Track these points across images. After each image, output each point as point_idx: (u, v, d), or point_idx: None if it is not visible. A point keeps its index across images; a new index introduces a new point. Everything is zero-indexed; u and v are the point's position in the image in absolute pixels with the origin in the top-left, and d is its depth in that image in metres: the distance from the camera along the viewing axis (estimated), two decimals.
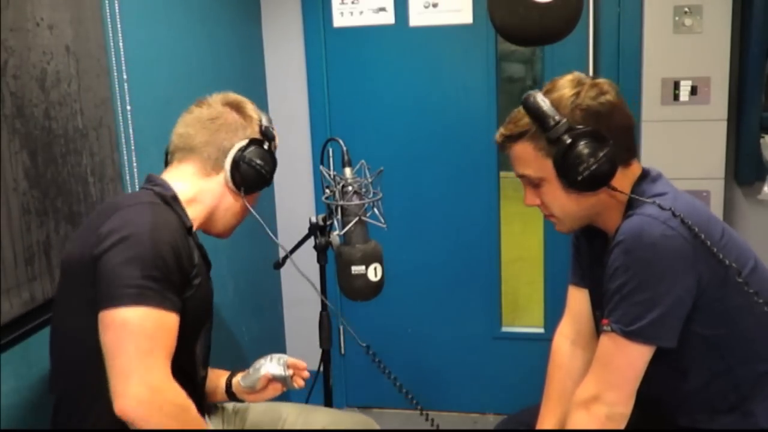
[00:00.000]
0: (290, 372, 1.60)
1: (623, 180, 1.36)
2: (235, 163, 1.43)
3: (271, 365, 1.60)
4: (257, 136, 1.46)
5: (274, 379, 1.60)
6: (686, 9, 2.35)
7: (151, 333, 1.15)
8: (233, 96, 1.52)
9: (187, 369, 1.38)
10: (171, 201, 1.35)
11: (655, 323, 1.26)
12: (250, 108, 1.50)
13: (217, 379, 1.64)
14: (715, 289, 1.29)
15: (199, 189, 1.43)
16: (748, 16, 2.36)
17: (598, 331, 1.42)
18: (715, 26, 2.34)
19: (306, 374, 1.64)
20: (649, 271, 1.26)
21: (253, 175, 1.44)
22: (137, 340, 1.14)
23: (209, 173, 1.43)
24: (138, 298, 1.15)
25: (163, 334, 1.18)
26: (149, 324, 1.15)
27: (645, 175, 1.39)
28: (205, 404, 1.55)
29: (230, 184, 1.44)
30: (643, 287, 1.26)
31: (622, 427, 1.32)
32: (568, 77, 1.38)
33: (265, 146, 1.46)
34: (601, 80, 1.38)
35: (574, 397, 1.37)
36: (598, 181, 1.31)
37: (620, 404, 1.31)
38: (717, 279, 1.28)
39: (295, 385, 1.61)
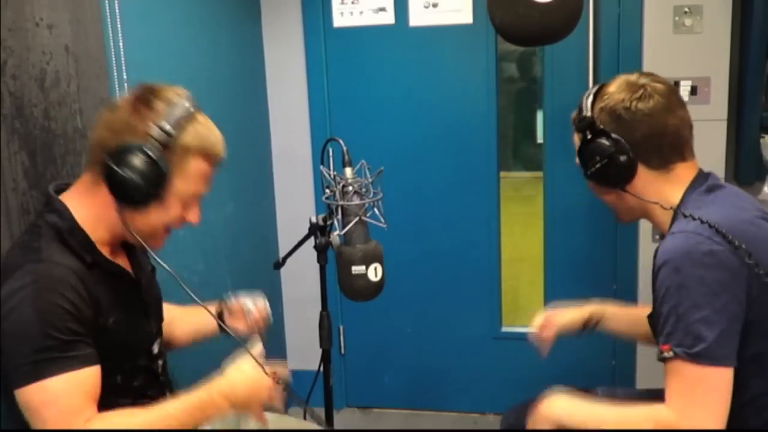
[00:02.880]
0: (254, 309, 1.64)
1: (660, 185, 1.40)
2: (108, 168, 1.21)
3: (247, 299, 1.66)
4: (144, 139, 1.22)
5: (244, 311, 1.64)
6: (686, 9, 2.35)
7: (54, 403, 1.14)
8: (148, 86, 1.29)
9: (152, 392, 1.41)
10: (66, 235, 1.23)
11: (718, 340, 1.22)
12: (159, 102, 1.25)
13: (199, 315, 1.63)
14: (761, 302, 1.26)
15: (94, 204, 1.26)
16: (748, 16, 2.35)
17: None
18: (715, 26, 2.34)
19: (266, 321, 1.66)
20: (703, 288, 1.23)
21: (122, 185, 1.20)
22: (46, 416, 1.14)
23: (100, 181, 1.23)
24: (33, 374, 1.13)
25: (71, 395, 1.16)
26: (49, 396, 1.14)
27: (699, 183, 1.39)
28: None
29: (109, 194, 1.24)
30: (700, 305, 1.23)
31: None
32: (631, 78, 1.43)
33: (150, 151, 1.20)
34: (652, 87, 1.40)
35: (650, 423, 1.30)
36: (606, 180, 1.41)
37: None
38: (763, 291, 1.26)
39: (247, 325, 1.64)
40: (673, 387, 1.27)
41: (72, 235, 1.25)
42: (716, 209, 1.32)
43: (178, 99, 1.27)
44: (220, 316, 1.64)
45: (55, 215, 1.26)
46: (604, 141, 1.39)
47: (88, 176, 1.28)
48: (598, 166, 1.40)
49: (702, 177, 1.42)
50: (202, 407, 1.26)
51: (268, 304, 1.67)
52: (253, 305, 1.65)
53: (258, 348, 1.39)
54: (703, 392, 1.24)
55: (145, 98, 1.25)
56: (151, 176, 1.21)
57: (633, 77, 1.44)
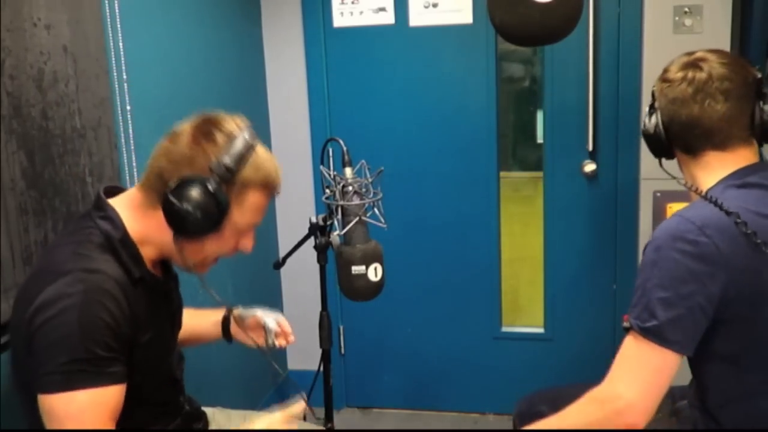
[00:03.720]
0: (277, 329, 1.59)
1: (692, 168, 1.44)
2: (167, 201, 1.21)
3: (266, 315, 1.60)
4: (203, 172, 1.21)
5: (262, 327, 1.59)
6: (686, 9, 2.35)
7: (78, 416, 1.13)
8: (209, 117, 1.28)
9: (169, 399, 1.42)
10: (118, 246, 1.23)
11: (672, 323, 1.24)
12: (220, 134, 1.24)
13: (203, 316, 1.64)
14: (738, 303, 1.27)
15: (147, 224, 1.26)
16: (748, 16, 2.35)
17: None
18: (715, 26, 2.34)
19: (289, 340, 1.61)
20: (674, 271, 1.26)
21: (181, 218, 1.20)
22: (67, 426, 1.12)
23: (156, 206, 1.24)
24: (64, 384, 1.11)
25: (96, 411, 1.14)
26: (75, 408, 1.12)
27: (737, 176, 1.37)
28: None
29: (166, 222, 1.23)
30: (665, 285, 1.26)
31: (629, 429, 1.27)
32: (687, 59, 1.45)
33: (210, 186, 1.20)
34: (684, 75, 1.42)
35: (588, 393, 1.34)
36: (650, 149, 1.49)
37: (634, 403, 1.26)
38: (745, 298, 1.26)
39: (276, 343, 1.59)
40: (618, 356, 1.30)
41: (124, 247, 1.24)
42: (731, 200, 1.31)
43: (239, 131, 1.26)
44: (225, 323, 1.63)
45: (108, 223, 1.24)
46: (648, 116, 1.46)
47: (143, 195, 1.27)
48: (644, 136, 1.48)
49: (744, 172, 1.38)
50: None
51: (284, 318, 1.63)
52: (275, 324, 1.59)
53: (299, 407, 1.36)
54: (640, 366, 1.27)
55: (206, 130, 1.24)
56: (211, 211, 1.21)
57: (690, 58, 1.45)
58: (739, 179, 1.37)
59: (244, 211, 1.28)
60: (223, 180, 1.22)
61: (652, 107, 1.47)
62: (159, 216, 1.22)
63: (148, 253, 1.29)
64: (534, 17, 1.71)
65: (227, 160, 1.22)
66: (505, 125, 2.83)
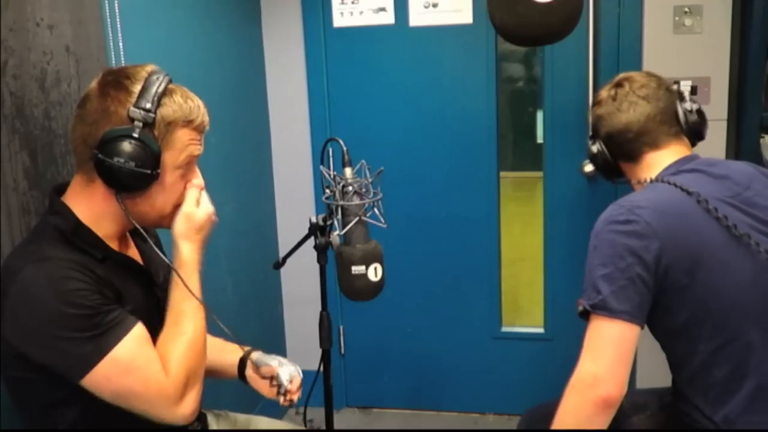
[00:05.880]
0: (289, 386, 1.56)
1: (637, 172, 1.58)
2: (98, 162, 1.17)
3: (283, 367, 1.57)
4: (123, 122, 1.18)
5: (274, 378, 1.57)
6: (686, 9, 2.35)
7: (132, 362, 1.15)
8: (114, 70, 1.25)
9: None
10: (71, 237, 1.20)
11: (616, 295, 1.32)
12: (130, 82, 1.20)
13: (226, 352, 1.61)
14: (678, 275, 1.34)
15: (93, 201, 1.24)
16: (748, 16, 2.35)
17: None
18: (715, 26, 2.34)
19: (293, 399, 1.58)
20: (611, 249, 1.36)
21: (118, 174, 1.17)
22: (130, 382, 1.15)
23: (94, 177, 1.20)
24: (98, 353, 1.13)
25: (141, 350, 1.17)
26: (124, 362, 1.14)
27: (672, 168, 1.50)
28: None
29: (106, 187, 1.21)
30: (605, 263, 1.35)
31: (607, 404, 1.31)
32: (611, 82, 1.64)
33: (135, 132, 1.17)
34: (608, 92, 1.61)
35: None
36: (603, 175, 1.68)
37: (602, 375, 1.31)
38: (682, 267, 1.34)
39: (279, 400, 1.56)
40: (586, 338, 1.37)
41: (77, 235, 1.21)
42: (657, 191, 1.45)
43: (149, 75, 1.21)
44: (242, 362, 1.60)
45: (58, 217, 1.22)
46: (591, 144, 1.65)
47: (80, 175, 1.24)
48: (592, 163, 1.68)
49: (678, 164, 1.52)
50: (192, 270, 1.32)
51: (301, 377, 1.60)
52: (288, 380, 1.56)
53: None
54: (599, 341, 1.34)
55: (115, 82, 1.20)
56: (144, 158, 1.17)
57: (615, 80, 1.63)
58: (673, 169, 1.50)
59: (176, 151, 1.25)
60: (146, 124, 1.18)
61: (592, 137, 1.66)
62: (100, 185, 1.21)
63: (108, 230, 1.26)
64: (534, 17, 1.72)
65: (144, 104, 1.18)
66: (505, 125, 2.83)
